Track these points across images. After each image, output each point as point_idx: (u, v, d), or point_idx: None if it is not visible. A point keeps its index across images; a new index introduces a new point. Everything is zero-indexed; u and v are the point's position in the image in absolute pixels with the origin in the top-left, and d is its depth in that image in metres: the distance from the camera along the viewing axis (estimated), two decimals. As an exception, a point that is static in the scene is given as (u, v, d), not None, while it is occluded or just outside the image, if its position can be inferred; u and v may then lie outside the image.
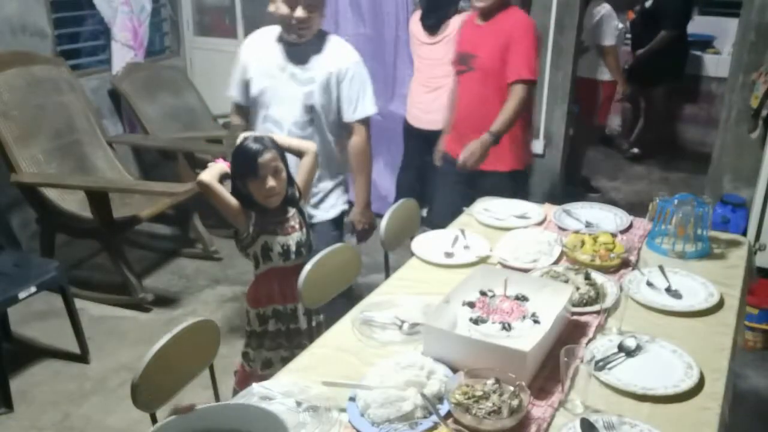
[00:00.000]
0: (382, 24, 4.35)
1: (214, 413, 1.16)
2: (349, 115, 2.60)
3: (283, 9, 2.42)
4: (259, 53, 2.58)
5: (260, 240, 2.18)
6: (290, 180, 2.20)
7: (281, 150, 2.16)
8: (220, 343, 1.87)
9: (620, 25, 4.90)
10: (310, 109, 2.53)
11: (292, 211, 2.23)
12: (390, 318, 1.86)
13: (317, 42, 2.56)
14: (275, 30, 2.58)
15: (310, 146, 2.30)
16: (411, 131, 4.19)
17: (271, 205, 2.15)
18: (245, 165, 2.09)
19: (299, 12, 2.40)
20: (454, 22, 3.88)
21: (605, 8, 4.77)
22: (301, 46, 2.52)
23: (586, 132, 5.16)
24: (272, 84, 2.53)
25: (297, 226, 2.24)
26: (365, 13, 4.38)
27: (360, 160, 2.67)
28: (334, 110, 2.59)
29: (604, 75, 4.92)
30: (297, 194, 2.23)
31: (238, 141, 2.17)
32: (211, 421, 1.15)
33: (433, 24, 3.88)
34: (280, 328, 2.28)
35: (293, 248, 2.22)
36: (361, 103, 2.60)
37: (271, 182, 2.09)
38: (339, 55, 2.57)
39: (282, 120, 2.54)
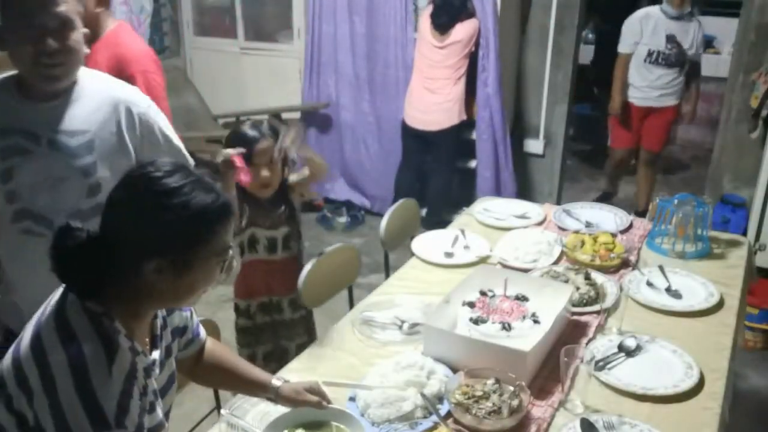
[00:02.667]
0: (380, 24, 4.36)
1: (312, 412, 1.44)
2: None
3: (26, 48, 1.54)
4: None
5: (248, 231, 2.14)
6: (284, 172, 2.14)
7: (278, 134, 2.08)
8: (220, 341, 1.87)
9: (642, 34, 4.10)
10: (95, 189, 1.66)
11: (282, 205, 2.18)
12: (390, 318, 1.86)
13: (82, 84, 1.68)
14: (5, 82, 1.65)
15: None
16: (408, 132, 4.19)
17: (263, 195, 2.09)
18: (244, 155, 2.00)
19: (51, 43, 1.54)
20: (463, 29, 3.89)
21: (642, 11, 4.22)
22: (60, 98, 1.64)
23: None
24: (23, 163, 1.62)
25: (285, 219, 2.19)
26: (362, 13, 4.39)
27: None
28: None
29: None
30: (289, 187, 2.18)
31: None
32: (310, 416, 1.44)
33: (443, 23, 3.89)
34: (266, 321, 2.24)
35: (280, 241, 2.18)
36: (181, 157, 1.82)
37: (265, 172, 2.04)
38: (125, 97, 1.72)
39: (51, 213, 1.63)
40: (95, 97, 1.68)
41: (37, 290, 1.49)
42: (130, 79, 1.96)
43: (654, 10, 4.14)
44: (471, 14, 3.97)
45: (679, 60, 4.12)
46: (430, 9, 4.00)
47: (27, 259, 1.62)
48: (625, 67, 4.23)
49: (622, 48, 4.21)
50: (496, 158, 4.20)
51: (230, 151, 1.90)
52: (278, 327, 2.25)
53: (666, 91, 4.19)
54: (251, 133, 2.05)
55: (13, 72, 1.64)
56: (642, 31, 4.12)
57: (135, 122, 1.71)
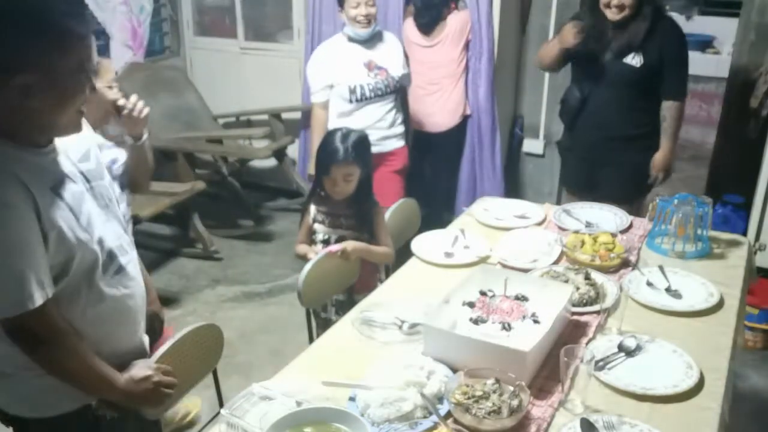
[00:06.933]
0: (379, 24, 4.33)
1: (313, 412, 1.43)
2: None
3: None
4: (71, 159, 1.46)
5: (313, 225, 2.40)
6: (367, 181, 2.34)
7: (362, 157, 2.30)
8: (223, 346, 1.88)
9: None
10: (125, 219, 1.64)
11: (350, 210, 2.34)
12: (390, 318, 1.86)
13: None
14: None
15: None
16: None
17: (336, 197, 2.32)
18: (323, 165, 2.29)
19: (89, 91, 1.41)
20: (453, 20, 3.87)
21: None
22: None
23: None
24: (87, 206, 1.45)
25: (347, 224, 2.34)
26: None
27: None
28: None
29: None
30: (365, 196, 2.35)
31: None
32: (311, 416, 1.41)
33: (427, 23, 3.85)
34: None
35: (333, 241, 2.33)
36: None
37: (339, 185, 2.28)
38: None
39: (119, 250, 1.53)
40: None
41: (121, 345, 1.55)
42: None
43: None
44: (458, 9, 3.93)
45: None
46: (410, 19, 3.96)
47: (116, 312, 1.51)
48: None
49: None
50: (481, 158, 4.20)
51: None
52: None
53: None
54: (339, 148, 2.25)
55: None
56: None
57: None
